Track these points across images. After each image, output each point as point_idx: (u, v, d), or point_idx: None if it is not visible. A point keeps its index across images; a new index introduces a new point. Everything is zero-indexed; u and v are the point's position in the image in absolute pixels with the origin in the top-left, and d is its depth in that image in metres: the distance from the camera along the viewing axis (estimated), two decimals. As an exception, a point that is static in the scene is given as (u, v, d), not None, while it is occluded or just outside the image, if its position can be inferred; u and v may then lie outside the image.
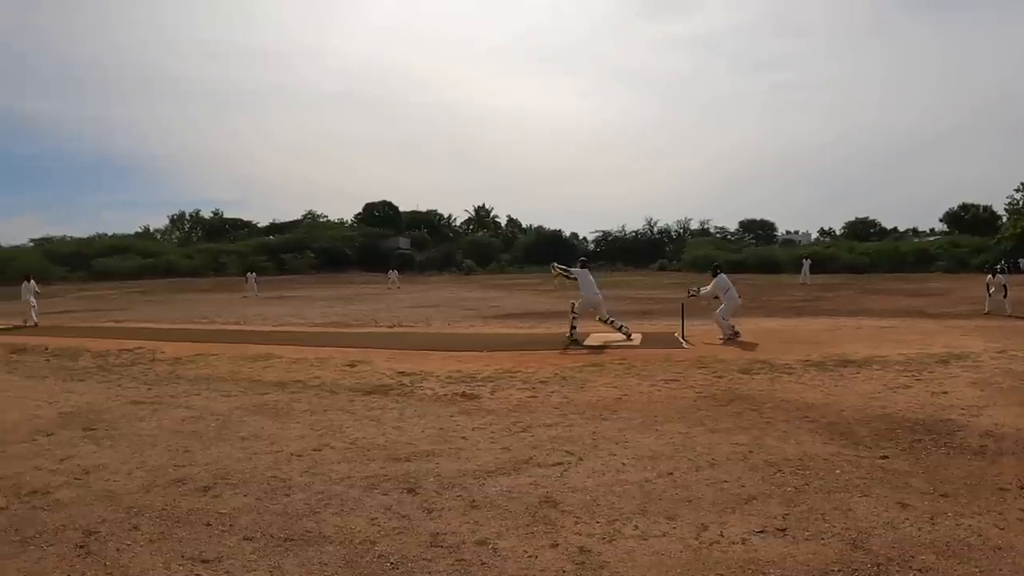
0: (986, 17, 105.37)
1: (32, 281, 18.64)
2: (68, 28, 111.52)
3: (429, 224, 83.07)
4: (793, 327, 12.50)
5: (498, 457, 4.81)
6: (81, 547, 3.57)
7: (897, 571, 2.91)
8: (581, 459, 4.67)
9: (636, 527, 3.48)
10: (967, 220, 57.29)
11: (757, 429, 5.34)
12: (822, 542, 3.23)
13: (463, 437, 5.41)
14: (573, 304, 10.95)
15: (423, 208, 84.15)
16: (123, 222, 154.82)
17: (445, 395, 7.10)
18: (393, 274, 37.04)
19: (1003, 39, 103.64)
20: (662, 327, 12.61)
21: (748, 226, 74.64)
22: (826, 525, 3.41)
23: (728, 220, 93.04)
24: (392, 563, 3.20)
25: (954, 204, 60.95)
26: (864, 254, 48.48)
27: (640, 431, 5.36)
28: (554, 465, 4.56)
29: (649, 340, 10.53)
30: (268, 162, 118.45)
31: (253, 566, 3.25)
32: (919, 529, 3.33)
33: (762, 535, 3.33)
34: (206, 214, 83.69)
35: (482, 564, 3.15)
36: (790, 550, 3.15)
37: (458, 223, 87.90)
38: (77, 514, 4.06)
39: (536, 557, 3.19)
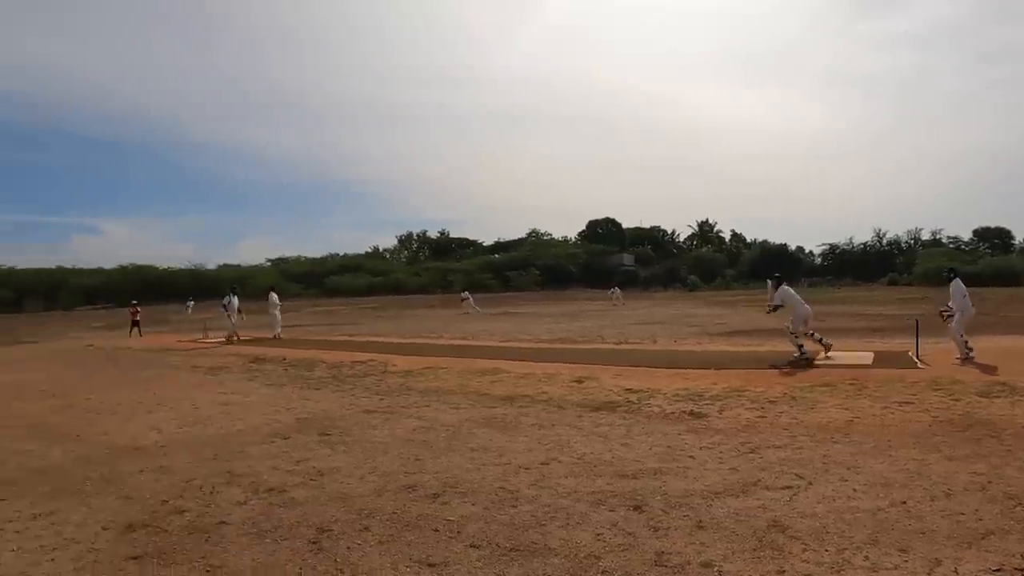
0: None
1: (275, 294, 19.80)
2: (327, 65, 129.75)
3: (653, 240, 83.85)
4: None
5: (726, 478, 4.79)
6: (313, 543, 3.78)
7: None
8: (811, 483, 4.58)
9: (866, 558, 3.35)
10: None
11: (996, 457, 5.07)
12: (1066, 586, 3.00)
13: (691, 456, 5.43)
14: (787, 327, 10.77)
15: (647, 224, 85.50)
16: (351, 241, 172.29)
17: (672, 413, 7.15)
18: (616, 291, 37.87)
19: None
20: (894, 345, 11.77)
21: (983, 235, 66.25)
22: (1072, 567, 3.13)
23: (961, 229, 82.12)
24: (614, 580, 3.23)
25: None
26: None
27: (872, 456, 5.23)
28: (783, 488, 4.49)
29: (881, 359, 9.96)
30: (488, 184, 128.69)
31: (478, 573, 3.34)
32: None
33: (999, 574, 3.15)
34: (432, 234, 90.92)
35: (705, 588, 3.18)
36: (1029, 593, 2.99)
37: (681, 239, 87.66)
38: (311, 512, 4.30)
39: (761, 584, 3.17)
